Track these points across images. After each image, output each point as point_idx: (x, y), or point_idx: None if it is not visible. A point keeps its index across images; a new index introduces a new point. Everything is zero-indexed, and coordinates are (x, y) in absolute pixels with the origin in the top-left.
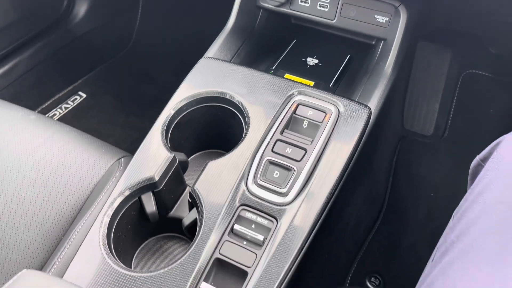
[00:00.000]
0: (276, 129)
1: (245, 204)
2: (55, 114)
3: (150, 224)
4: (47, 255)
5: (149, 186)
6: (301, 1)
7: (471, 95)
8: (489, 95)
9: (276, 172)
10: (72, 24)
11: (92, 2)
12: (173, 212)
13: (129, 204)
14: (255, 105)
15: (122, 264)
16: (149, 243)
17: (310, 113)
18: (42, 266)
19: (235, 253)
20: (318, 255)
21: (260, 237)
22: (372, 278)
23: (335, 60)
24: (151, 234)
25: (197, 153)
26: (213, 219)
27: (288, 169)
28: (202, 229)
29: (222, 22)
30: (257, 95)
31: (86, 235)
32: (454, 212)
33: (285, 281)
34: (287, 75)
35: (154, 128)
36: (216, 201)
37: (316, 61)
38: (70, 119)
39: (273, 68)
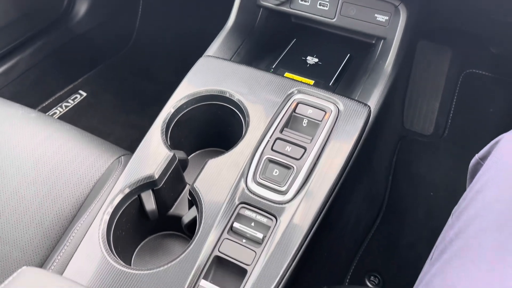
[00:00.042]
0: (276, 127)
1: (244, 202)
2: (55, 113)
3: (149, 222)
4: (47, 253)
5: (149, 184)
6: (301, 0)
7: (471, 94)
8: (489, 95)
9: (275, 170)
10: (72, 23)
11: (93, 0)
12: (173, 210)
13: (129, 202)
14: (255, 103)
15: (121, 262)
16: (149, 241)
17: (309, 111)
18: (42, 264)
19: (234, 251)
20: (317, 253)
21: (260, 235)
22: (372, 276)
23: (335, 59)
24: (151, 232)
25: (197, 152)
26: (213, 217)
27: (287, 167)
28: (201, 227)
29: (222, 20)
30: (257, 94)
31: (86, 233)
32: (453, 210)
33: (284, 279)
34: (287, 74)
35: (154, 126)
36: (215, 199)
37: (316, 60)
38: (71, 118)
39: (273, 67)
